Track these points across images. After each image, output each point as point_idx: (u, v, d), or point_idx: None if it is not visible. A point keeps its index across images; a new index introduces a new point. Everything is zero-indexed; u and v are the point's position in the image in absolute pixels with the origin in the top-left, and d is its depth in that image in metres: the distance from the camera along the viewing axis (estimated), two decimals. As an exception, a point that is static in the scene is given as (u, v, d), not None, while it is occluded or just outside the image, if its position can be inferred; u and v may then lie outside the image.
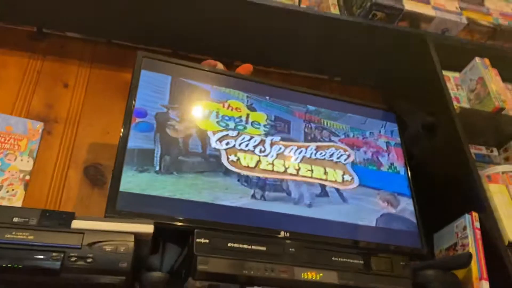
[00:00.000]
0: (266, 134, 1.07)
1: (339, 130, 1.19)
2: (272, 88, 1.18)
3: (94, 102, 1.26)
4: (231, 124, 1.05)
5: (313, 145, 1.09)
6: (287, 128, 1.12)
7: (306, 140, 1.12)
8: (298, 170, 1.05)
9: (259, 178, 1.01)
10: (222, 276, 0.77)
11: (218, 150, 1.01)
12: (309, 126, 1.16)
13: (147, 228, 0.80)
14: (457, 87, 1.37)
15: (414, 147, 1.20)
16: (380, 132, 1.23)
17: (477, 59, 1.34)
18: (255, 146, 1.03)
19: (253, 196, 0.99)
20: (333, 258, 0.85)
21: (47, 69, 1.27)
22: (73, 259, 0.74)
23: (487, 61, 1.35)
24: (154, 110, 1.03)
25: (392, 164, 1.19)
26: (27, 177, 0.90)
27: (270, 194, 1.01)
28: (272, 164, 1.03)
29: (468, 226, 1.05)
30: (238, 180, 0.99)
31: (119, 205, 0.89)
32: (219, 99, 1.09)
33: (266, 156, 1.03)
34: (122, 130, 0.97)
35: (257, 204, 0.99)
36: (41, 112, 1.19)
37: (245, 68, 1.17)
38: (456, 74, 1.40)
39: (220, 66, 1.17)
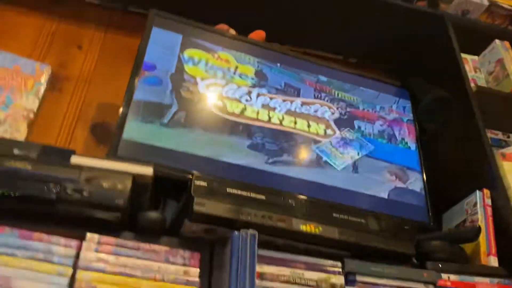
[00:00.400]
0: (253, 86, 1.08)
1: (350, 102, 1.17)
2: (284, 56, 1.17)
3: (106, 65, 1.26)
4: (220, 73, 1.06)
5: (298, 100, 1.10)
6: (296, 94, 1.11)
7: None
8: (281, 120, 1.05)
9: (265, 140, 1.01)
10: (218, 219, 0.75)
11: (204, 94, 1.02)
12: (319, 95, 1.14)
13: (146, 170, 0.79)
14: (475, 70, 1.34)
15: (427, 122, 1.17)
16: (392, 107, 1.21)
17: (497, 41, 1.31)
18: (241, 96, 1.05)
19: (258, 157, 0.98)
20: (334, 215, 0.82)
21: (62, 31, 1.28)
22: (69, 191, 0.73)
23: (507, 44, 1.32)
24: (164, 67, 1.03)
25: (403, 139, 1.16)
26: (31, 116, 0.90)
27: (277, 158, 1.00)
28: (257, 112, 1.04)
29: (479, 202, 1.02)
30: (247, 142, 0.99)
31: (120, 152, 0.89)
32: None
33: (251, 105, 1.04)
34: (129, 81, 0.97)
35: (263, 166, 0.97)
36: (53, 70, 1.19)
37: (258, 34, 1.16)
38: (475, 57, 1.37)
39: (232, 32, 1.17)
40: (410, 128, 1.19)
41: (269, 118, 1.04)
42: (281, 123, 1.04)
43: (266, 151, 1.00)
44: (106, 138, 1.13)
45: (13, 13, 1.25)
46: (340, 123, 1.11)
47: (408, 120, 1.20)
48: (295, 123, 1.06)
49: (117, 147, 0.88)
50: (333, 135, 1.08)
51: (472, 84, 1.21)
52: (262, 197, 0.80)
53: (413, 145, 1.16)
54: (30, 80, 0.93)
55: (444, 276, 0.85)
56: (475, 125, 1.10)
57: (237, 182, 0.81)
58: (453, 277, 0.85)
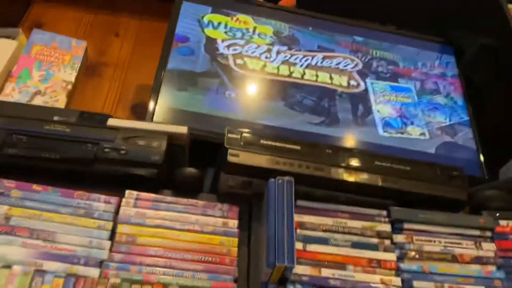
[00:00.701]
0: (273, 44, 1.08)
1: (388, 60, 1.12)
2: (315, 20, 1.14)
3: (142, 50, 1.29)
4: (239, 34, 1.07)
5: (320, 54, 1.08)
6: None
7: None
8: (303, 75, 1.04)
9: (302, 98, 0.99)
10: (253, 169, 0.73)
11: (226, 55, 1.02)
12: (356, 55, 1.10)
13: (181, 129, 0.79)
14: (524, 20, 1.25)
15: (474, 74, 1.10)
16: (434, 63, 1.15)
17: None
18: (261, 53, 1.05)
19: (295, 117, 0.96)
20: (376, 163, 0.79)
21: (99, 22, 1.33)
22: (106, 150, 0.74)
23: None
24: (195, 37, 1.03)
25: (448, 94, 1.10)
26: (69, 87, 0.93)
27: (315, 117, 0.98)
28: (277, 68, 1.03)
29: (538, 151, 0.94)
30: (281, 102, 0.98)
31: (156, 118, 0.90)
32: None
33: (271, 62, 1.04)
34: (162, 51, 0.99)
35: (300, 126, 0.95)
36: (93, 58, 1.24)
37: (288, 1, 1.14)
38: (523, 7, 1.27)
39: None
40: (456, 83, 1.12)
41: (290, 73, 1.03)
42: (302, 77, 1.03)
43: (301, 109, 0.98)
44: (146, 115, 1.16)
45: (53, 9, 1.32)
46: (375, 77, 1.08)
47: (452, 75, 1.13)
48: (317, 76, 1.04)
49: (152, 114, 0.90)
50: (358, 87, 1.04)
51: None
52: (298, 147, 0.77)
53: (459, 100, 1.09)
54: (67, 55, 0.97)
55: (503, 222, 0.78)
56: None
57: (271, 134, 0.79)
58: (513, 223, 0.79)
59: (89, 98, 1.17)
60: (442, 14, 1.27)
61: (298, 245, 0.71)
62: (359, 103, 1.03)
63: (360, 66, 1.09)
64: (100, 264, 0.66)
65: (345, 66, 1.08)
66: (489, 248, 0.75)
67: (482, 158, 1.00)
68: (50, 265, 0.64)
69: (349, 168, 0.77)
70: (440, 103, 1.07)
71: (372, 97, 1.04)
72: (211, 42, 1.04)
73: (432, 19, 1.27)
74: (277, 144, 0.77)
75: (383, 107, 1.03)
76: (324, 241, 0.72)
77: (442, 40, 1.20)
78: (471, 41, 1.10)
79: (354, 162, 0.78)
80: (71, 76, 0.94)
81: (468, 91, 1.10)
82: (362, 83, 1.06)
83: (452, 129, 1.03)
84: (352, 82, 1.06)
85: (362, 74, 1.08)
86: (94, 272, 0.65)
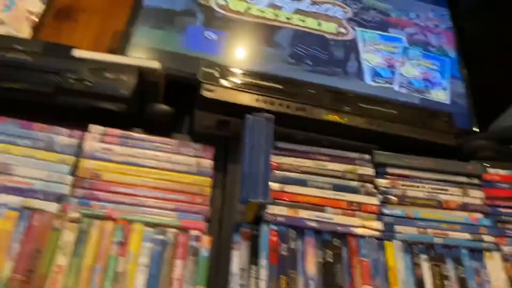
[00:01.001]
0: None
1: (380, 9, 1.06)
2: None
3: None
4: None
5: None
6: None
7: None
8: (289, 19, 0.97)
9: (288, 43, 0.93)
10: (229, 106, 0.68)
11: None
12: (346, 3, 1.04)
13: (153, 64, 0.74)
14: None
15: (468, 24, 1.05)
16: (428, 15, 1.09)
17: None
18: None
19: (279, 63, 0.91)
20: (360, 104, 0.74)
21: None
22: (71, 80, 0.68)
23: None
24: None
25: (441, 46, 1.05)
26: (34, 17, 0.86)
27: (304, 63, 0.92)
28: (263, 11, 0.96)
29: (531, 103, 0.90)
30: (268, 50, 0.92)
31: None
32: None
33: (256, 4, 0.97)
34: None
35: (285, 72, 0.90)
36: (67, 1, 1.17)
37: None
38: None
39: None
40: (449, 35, 1.07)
41: (276, 16, 0.97)
42: (288, 21, 0.97)
43: (285, 54, 0.92)
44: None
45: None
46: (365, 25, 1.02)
47: (446, 27, 1.08)
48: (304, 21, 0.98)
49: (124, 50, 0.84)
50: (347, 35, 0.99)
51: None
52: (280, 86, 0.72)
53: (452, 53, 1.04)
54: (33, -16, 0.89)
55: (492, 170, 0.75)
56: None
57: (252, 71, 0.74)
58: (502, 172, 0.75)
59: (62, 42, 1.10)
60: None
61: (276, 186, 0.66)
62: (347, 50, 0.97)
63: (350, 13, 1.03)
64: (60, 199, 0.61)
65: (334, 13, 1.02)
66: (476, 195, 0.71)
67: (473, 110, 0.95)
68: (4, 198, 0.59)
69: (332, 109, 0.72)
70: (432, 54, 1.02)
71: (361, 46, 0.99)
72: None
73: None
74: (257, 81, 0.72)
75: (371, 56, 0.98)
76: (302, 183, 0.68)
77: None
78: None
79: (338, 103, 0.73)
80: (37, 6, 0.87)
81: (462, 44, 1.05)
82: (351, 31, 1.00)
83: (444, 82, 0.99)
84: (341, 29, 1.00)
85: (352, 22, 1.02)
86: (52, 207, 0.60)
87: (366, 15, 1.04)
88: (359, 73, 0.94)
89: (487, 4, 1.03)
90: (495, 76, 1.02)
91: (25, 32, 0.83)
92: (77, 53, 0.73)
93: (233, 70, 0.72)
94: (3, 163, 0.62)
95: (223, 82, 0.70)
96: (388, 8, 1.07)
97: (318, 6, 1.01)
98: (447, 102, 0.96)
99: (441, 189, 0.71)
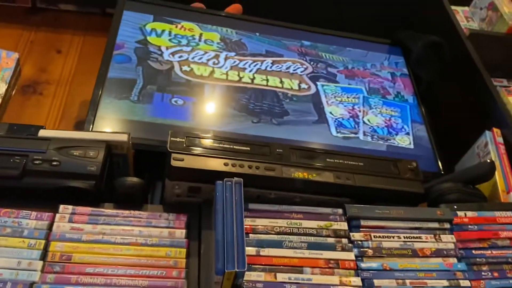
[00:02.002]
0: (220, 50, 1.05)
1: (337, 62, 1.11)
2: (263, 25, 1.13)
3: (86, 66, 1.23)
4: (184, 41, 1.04)
5: (269, 59, 1.06)
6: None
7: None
8: (252, 79, 1.01)
9: (247, 101, 0.96)
10: (199, 173, 0.69)
11: (170, 62, 0.99)
12: (304, 59, 1.09)
13: (121, 137, 0.74)
14: (467, 20, 1.28)
15: (422, 71, 1.10)
16: (383, 64, 1.15)
17: (486, -15, 1.26)
18: (208, 59, 1.02)
19: (245, 123, 0.93)
20: (328, 159, 0.76)
21: (40, 39, 1.27)
22: (37, 162, 0.68)
23: (496, -13, 1.26)
24: (132, 44, 0.99)
25: (399, 93, 1.10)
26: (-1, 100, 0.87)
27: (264, 118, 0.95)
28: (226, 74, 1.00)
29: (490, 142, 0.94)
30: (227, 106, 0.94)
31: (95, 128, 0.84)
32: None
33: (220, 68, 1.01)
34: (102, 60, 0.94)
35: (251, 130, 0.92)
36: (34, 75, 1.18)
37: (235, 8, 1.12)
38: (466, 8, 1.31)
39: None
40: (406, 82, 1.12)
41: (240, 78, 1.00)
42: (252, 82, 1.00)
43: (251, 113, 0.94)
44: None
45: (-11, 27, 1.25)
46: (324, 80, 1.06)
47: (402, 74, 1.14)
48: (267, 80, 1.01)
49: (92, 124, 0.84)
50: (309, 90, 1.03)
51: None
52: (247, 148, 0.74)
53: (410, 98, 1.09)
54: (-4, 67, 0.90)
55: (460, 213, 0.77)
56: (473, 66, 1.03)
57: (218, 136, 0.75)
58: (470, 213, 0.77)
59: (29, 116, 1.09)
60: (388, 16, 1.29)
61: (251, 251, 0.66)
62: (311, 105, 1.00)
63: (310, 69, 1.08)
64: (31, 287, 0.59)
65: (294, 70, 1.06)
66: (448, 240, 0.73)
67: (437, 153, 0.99)
68: (-30, 293, 0.57)
69: (300, 167, 0.73)
70: (391, 101, 1.07)
71: (324, 99, 1.02)
72: (154, 50, 1.00)
73: (378, 21, 1.29)
74: (225, 145, 0.73)
75: (335, 108, 1.01)
76: (278, 244, 0.67)
77: (388, 41, 1.21)
78: (417, 38, 1.11)
79: (306, 160, 0.75)
80: (1, 88, 0.88)
81: (419, 89, 1.11)
82: (313, 86, 1.04)
83: (406, 127, 1.03)
84: (303, 85, 1.04)
85: (313, 77, 1.06)
86: (22, 296, 0.58)
87: (325, 69, 1.09)
88: (324, 126, 0.97)
89: (435, 49, 1.09)
90: (454, 118, 1.07)
91: (-12, 114, 0.83)
92: (43, 132, 0.73)
93: (201, 136, 0.73)
94: (-32, 255, 0.60)
95: (192, 149, 0.71)
96: (346, 61, 1.13)
97: (278, 65, 1.05)
98: (412, 146, 0.99)
99: (415, 237, 0.72)
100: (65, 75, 1.21)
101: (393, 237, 0.72)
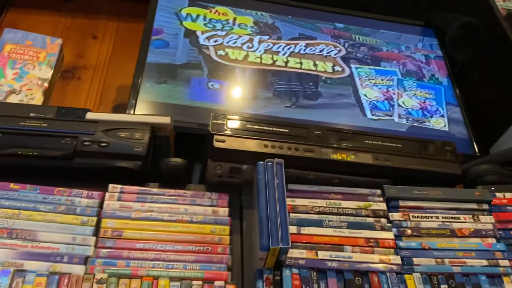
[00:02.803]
0: (254, 34, 1.06)
1: (371, 45, 1.11)
2: (296, 9, 1.13)
3: (122, 51, 1.26)
4: (219, 26, 1.05)
5: (302, 42, 1.07)
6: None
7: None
8: (286, 63, 1.02)
9: (282, 84, 0.97)
10: (241, 154, 0.71)
11: (206, 46, 1.00)
12: (338, 41, 1.09)
13: (164, 119, 0.77)
14: (504, 0, 1.25)
15: (457, 53, 1.09)
16: (417, 46, 1.14)
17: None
18: (243, 43, 1.03)
19: (280, 105, 0.94)
20: (365, 141, 0.77)
21: (76, 25, 1.30)
22: (86, 143, 0.71)
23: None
24: (172, 30, 1.01)
25: (433, 75, 1.09)
26: (46, 84, 0.90)
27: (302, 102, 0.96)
28: (260, 57, 1.02)
29: (528, 124, 0.93)
30: (264, 89, 0.96)
31: (137, 112, 0.87)
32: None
33: (254, 51, 1.02)
34: (140, 46, 0.97)
35: (286, 113, 0.93)
36: (72, 61, 1.21)
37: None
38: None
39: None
40: (440, 64, 1.11)
41: (273, 61, 1.01)
42: (286, 65, 1.01)
43: (285, 96, 0.96)
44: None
45: (29, 14, 1.28)
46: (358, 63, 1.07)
47: (436, 56, 1.13)
48: (301, 63, 1.02)
49: (134, 108, 0.87)
50: (343, 72, 1.03)
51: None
52: (286, 130, 0.75)
53: (444, 80, 1.08)
54: (42, 52, 0.93)
55: (499, 194, 0.77)
56: (510, 47, 1.02)
57: (258, 118, 0.77)
58: (509, 195, 0.77)
59: (69, 101, 1.13)
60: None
61: (292, 229, 0.68)
62: (346, 87, 1.01)
63: (343, 51, 1.08)
64: (85, 261, 0.62)
65: (328, 52, 1.07)
66: (487, 221, 0.73)
67: (472, 135, 0.98)
68: (31, 265, 0.60)
69: (339, 148, 0.75)
70: (425, 84, 1.06)
71: (358, 82, 1.03)
72: (190, 34, 1.02)
73: (410, 2, 1.27)
74: (264, 127, 0.75)
75: (369, 90, 1.02)
76: (318, 223, 0.69)
77: (422, 23, 1.19)
78: (451, 21, 1.10)
79: (344, 142, 0.76)
80: (47, 73, 0.91)
81: (453, 71, 1.10)
82: (347, 68, 1.05)
83: (441, 109, 1.02)
84: (337, 68, 1.04)
85: (346, 60, 1.07)
86: (79, 269, 0.61)
87: (359, 52, 1.09)
88: (359, 108, 0.98)
89: (472, 32, 1.08)
90: (489, 100, 1.06)
91: (38, 99, 0.86)
92: (90, 115, 0.76)
93: (241, 118, 0.75)
94: (28, 230, 0.64)
95: (232, 131, 0.73)
96: (379, 43, 1.12)
97: (312, 48, 1.06)
98: (447, 129, 0.99)
99: (453, 218, 0.73)
100: (102, 60, 1.24)
101: (432, 217, 0.73)
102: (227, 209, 0.71)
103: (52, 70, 0.93)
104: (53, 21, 1.31)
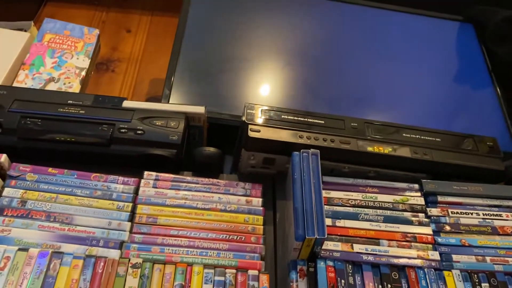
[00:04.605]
0: None
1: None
2: None
3: (154, 45, 1.28)
4: None
5: None
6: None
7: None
8: None
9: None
10: (275, 144, 0.70)
11: None
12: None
13: (199, 109, 0.77)
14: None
15: (499, 48, 1.05)
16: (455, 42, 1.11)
17: None
18: None
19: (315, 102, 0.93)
20: (404, 134, 0.75)
21: (111, 19, 1.33)
22: (123, 130, 0.72)
23: None
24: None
25: (473, 72, 1.05)
26: (83, 73, 0.91)
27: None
28: None
29: None
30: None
31: (172, 101, 0.87)
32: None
33: None
34: (174, 39, 0.97)
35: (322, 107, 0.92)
36: (106, 53, 1.23)
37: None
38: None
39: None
40: (480, 60, 1.07)
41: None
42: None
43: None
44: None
45: (65, 8, 1.31)
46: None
47: (475, 51, 1.09)
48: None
49: (169, 96, 0.87)
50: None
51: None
52: (321, 121, 0.74)
53: (485, 76, 1.05)
54: (80, 42, 0.95)
55: (544, 192, 0.74)
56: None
57: (292, 109, 0.76)
58: (555, 193, 0.74)
59: (103, 93, 1.13)
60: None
61: (327, 221, 0.67)
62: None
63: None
64: (121, 245, 0.63)
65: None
66: (530, 219, 0.70)
67: (513, 132, 0.95)
68: (68, 248, 0.61)
69: (376, 141, 0.73)
70: (466, 80, 1.03)
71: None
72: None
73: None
74: (299, 118, 0.74)
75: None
76: (354, 216, 0.68)
77: (460, 18, 1.16)
78: (493, 14, 1.06)
79: (381, 135, 0.74)
80: (85, 62, 0.93)
81: (493, 67, 1.06)
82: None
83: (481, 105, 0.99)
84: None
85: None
86: (114, 253, 0.62)
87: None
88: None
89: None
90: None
91: (76, 87, 0.88)
92: (127, 103, 0.76)
93: (275, 109, 0.74)
94: (65, 214, 0.65)
95: (267, 121, 0.72)
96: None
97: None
98: (487, 125, 0.96)
99: (494, 215, 0.70)
100: (135, 53, 1.26)
101: (472, 213, 0.70)
102: (260, 199, 0.70)
103: (89, 59, 0.94)
104: (89, 15, 1.34)
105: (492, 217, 0.70)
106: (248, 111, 0.73)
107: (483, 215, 0.70)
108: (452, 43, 1.10)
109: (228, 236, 0.65)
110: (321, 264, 0.63)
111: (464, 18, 1.16)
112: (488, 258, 0.66)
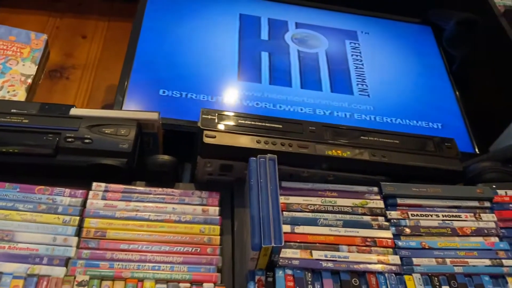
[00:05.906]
0: None
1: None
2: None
3: (112, 50, 1.24)
4: None
5: None
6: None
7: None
8: None
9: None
10: (232, 150, 0.67)
11: None
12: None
13: (151, 115, 0.73)
14: (503, -3, 1.23)
15: (455, 50, 1.07)
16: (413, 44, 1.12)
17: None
18: None
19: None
20: (362, 137, 0.74)
21: (65, 25, 1.28)
22: (70, 139, 0.68)
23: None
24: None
25: (430, 73, 1.06)
26: (29, 80, 0.87)
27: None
28: None
29: (528, 121, 0.90)
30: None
31: (125, 108, 0.84)
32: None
33: None
34: (128, 42, 0.94)
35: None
36: (60, 60, 1.18)
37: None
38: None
39: None
40: (438, 62, 1.09)
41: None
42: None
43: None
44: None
45: (17, 14, 1.25)
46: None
47: (433, 54, 1.10)
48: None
49: (121, 105, 0.84)
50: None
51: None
52: (279, 126, 0.72)
53: (444, 78, 1.06)
54: (26, 48, 0.90)
55: (501, 192, 0.74)
56: (508, 43, 0.99)
57: (249, 114, 0.74)
58: (511, 192, 0.74)
59: (57, 101, 1.08)
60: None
61: (286, 228, 0.65)
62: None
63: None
64: (66, 262, 0.59)
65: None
66: (489, 219, 0.70)
67: (471, 132, 0.96)
68: (7, 267, 0.57)
69: (334, 144, 0.72)
70: (425, 82, 1.04)
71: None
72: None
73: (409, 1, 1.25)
74: (257, 122, 0.71)
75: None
76: (313, 222, 0.66)
77: (418, 20, 1.17)
78: (449, 17, 1.07)
79: (340, 138, 0.73)
80: (31, 69, 0.88)
81: (451, 69, 1.07)
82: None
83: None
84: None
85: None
86: (59, 271, 0.57)
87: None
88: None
89: (470, 29, 1.06)
90: (488, 97, 1.04)
91: (21, 95, 0.83)
92: (74, 111, 0.72)
93: (232, 114, 0.72)
94: (6, 231, 0.60)
95: (223, 127, 0.70)
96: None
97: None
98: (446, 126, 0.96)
99: (454, 216, 0.70)
100: (91, 60, 1.22)
101: (431, 215, 0.70)
102: (217, 208, 0.67)
103: (37, 66, 0.90)
104: (42, 20, 1.29)
105: (451, 218, 0.70)
106: (203, 116, 0.70)
107: (443, 216, 0.70)
108: (411, 45, 1.11)
109: (182, 248, 0.62)
110: (279, 273, 0.60)
111: (422, 21, 1.17)
112: (448, 260, 0.65)
